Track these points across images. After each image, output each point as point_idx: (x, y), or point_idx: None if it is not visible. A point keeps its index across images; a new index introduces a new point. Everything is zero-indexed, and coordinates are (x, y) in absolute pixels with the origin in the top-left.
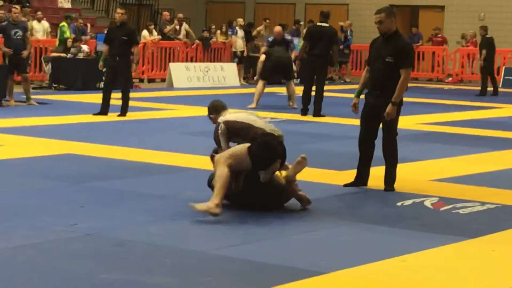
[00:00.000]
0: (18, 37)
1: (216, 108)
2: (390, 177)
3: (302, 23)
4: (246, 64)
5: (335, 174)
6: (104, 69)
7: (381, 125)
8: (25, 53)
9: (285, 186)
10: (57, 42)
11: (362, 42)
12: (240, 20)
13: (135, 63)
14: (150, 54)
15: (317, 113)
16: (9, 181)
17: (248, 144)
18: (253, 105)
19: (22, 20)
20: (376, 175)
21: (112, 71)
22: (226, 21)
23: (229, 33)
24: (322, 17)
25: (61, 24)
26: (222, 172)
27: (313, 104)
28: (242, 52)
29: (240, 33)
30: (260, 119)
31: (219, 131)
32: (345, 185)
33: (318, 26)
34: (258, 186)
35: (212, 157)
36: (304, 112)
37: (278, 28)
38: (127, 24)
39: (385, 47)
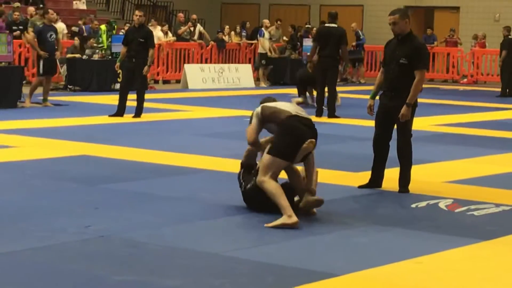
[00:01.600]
0: (52, 39)
1: (267, 99)
2: (404, 178)
3: (309, 25)
4: (275, 66)
5: (349, 175)
6: (119, 71)
7: (395, 127)
8: (57, 54)
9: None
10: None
11: (377, 43)
12: (267, 22)
13: (148, 66)
14: (165, 55)
15: (331, 114)
16: (24, 182)
17: (267, 150)
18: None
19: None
20: (391, 176)
21: (129, 73)
22: (240, 22)
23: (243, 34)
24: (330, 18)
25: (101, 27)
26: (272, 187)
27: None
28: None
29: (267, 34)
30: (293, 106)
31: (255, 114)
32: (360, 187)
33: (326, 27)
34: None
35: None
36: (319, 113)
37: None
38: (145, 26)
39: (400, 49)
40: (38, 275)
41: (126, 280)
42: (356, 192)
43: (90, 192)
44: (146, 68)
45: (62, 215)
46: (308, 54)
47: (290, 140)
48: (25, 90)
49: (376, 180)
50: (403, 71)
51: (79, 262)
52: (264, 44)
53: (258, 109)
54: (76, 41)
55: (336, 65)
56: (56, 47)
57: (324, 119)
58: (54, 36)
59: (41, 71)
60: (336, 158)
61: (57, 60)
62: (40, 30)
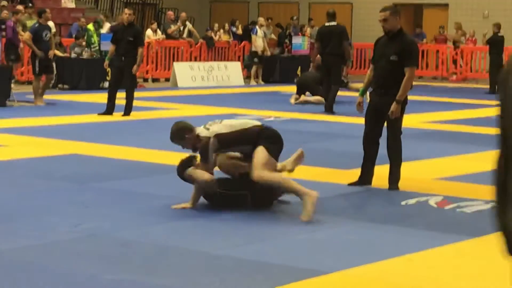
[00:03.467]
0: (47, 38)
1: (188, 126)
2: (394, 176)
3: (296, 19)
4: (265, 64)
5: (339, 173)
6: (108, 69)
7: (385, 124)
8: (51, 53)
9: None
10: (85, 43)
11: (366, 41)
12: (262, 20)
13: (137, 64)
14: (154, 53)
15: (329, 109)
16: (14, 181)
17: (261, 148)
18: None
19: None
20: (380, 174)
21: (118, 71)
22: (229, 20)
23: (233, 30)
24: (329, 17)
25: (88, 26)
26: (276, 176)
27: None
28: (263, 51)
29: (260, 32)
30: (239, 119)
31: (210, 146)
32: (350, 184)
33: (327, 26)
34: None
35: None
36: (327, 109)
37: None
38: (135, 25)
39: (390, 46)
40: (28, 274)
41: (117, 279)
42: (346, 190)
43: (80, 190)
44: (135, 67)
45: (52, 214)
46: (312, 55)
47: (280, 145)
48: (15, 89)
49: (365, 177)
50: (393, 68)
51: (69, 261)
52: (257, 42)
53: (214, 140)
54: (57, 39)
55: (339, 62)
56: (50, 46)
57: (316, 116)
58: (48, 35)
59: (36, 70)
60: (325, 156)
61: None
62: (36, 30)
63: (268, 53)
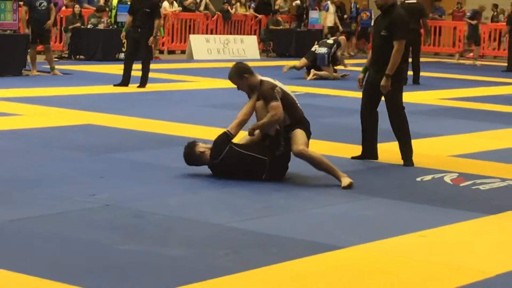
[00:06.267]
0: (42, 8)
1: (250, 68)
2: (405, 152)
3: None
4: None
5: (354, 148)
6: (124, 40)
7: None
8: (49, 23)
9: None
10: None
11: None
12: None
13: (154, 36)
14: (171, 25)
15: (416, 81)
16: (29, 150)
17: (301, 130)
18: None
19: None
20: (394, 149)
21: (134, 42)
22: None
23: (252, 6)
24: None
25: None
26: (319, 155)
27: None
28: (333, 27)
29: (332, 8)
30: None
31: (276, 91)
32: (353, 158)
33: (407, 3)
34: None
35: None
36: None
37: None
38: None
39: (382, 21)
40: (43, 243)
41: (131, 249)
42: (361, 165)
43: (95, 161)
44: (151, 38)
45: (66, 183)
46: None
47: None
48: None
49: (368, 151)
50: (385, 43)
51: (83, 231)
52: (326, 18)
53: (279, 89)
54: (77, 8)
55: (419, 38)
56: (48, 17)
57: (328, 91)
58: (44, 4)
59: (30, 38)
60: (342, 131)
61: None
62: None
63: (340, 29)
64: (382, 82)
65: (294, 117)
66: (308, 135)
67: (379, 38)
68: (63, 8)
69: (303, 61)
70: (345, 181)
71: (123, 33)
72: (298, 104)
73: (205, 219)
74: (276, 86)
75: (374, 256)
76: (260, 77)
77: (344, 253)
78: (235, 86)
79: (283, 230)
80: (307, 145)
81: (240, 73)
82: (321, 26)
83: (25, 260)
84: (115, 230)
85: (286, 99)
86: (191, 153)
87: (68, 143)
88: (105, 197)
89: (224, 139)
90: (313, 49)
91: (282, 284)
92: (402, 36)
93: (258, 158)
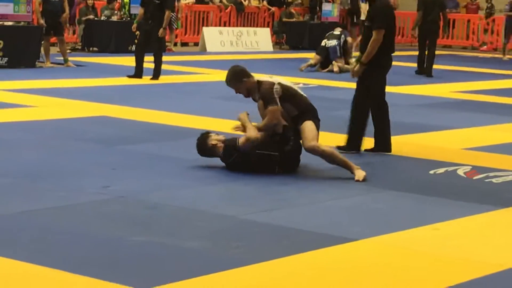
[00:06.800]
0: (55, 0)
1: (246, 71)
2: (378, 140)
3: None
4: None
5: (367, 140)
6: (137, 32)
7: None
8: (64, 16)
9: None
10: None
11: (401, 9)
12: None
13: (163, 28)
14: (184, 17)
15: (429, 73)
16: (42, 142)
17: (311, 122)
18: None
19: None
20: (409, 141)
21: (145, 34)
22: None
23: None
24: None
25: None
26: (330, 149)
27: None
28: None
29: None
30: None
31: (275, 91)
32: (338, 147)
33: None
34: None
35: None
36: (419, 72)
37: None
38: None
39: (368, 12)
40: (56, 234)
41: (144, 241)
42: (374, 158)
43: (108, 153)
44: (161, 30)
45: (80, 175)
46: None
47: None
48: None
49: (354, 142)
50: (368, 33)
51: (97, 222)
52: (365, 9)
53: (278, 87)
54: (90, 1)
55: (438, 29)
56: (62, 9)
57: (343, 83)
58: None
59: (43, 30)
60: None
61: (64, 22)
62: None
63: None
64: (355, 68)
65: (299, 106)
66: (317, 123)
67: (364, 28)
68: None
69: (316, 57)
70: (359, 173)
71: (134, 25)
72: (302, 93)
73: (218, 211)
74: (274, 84)
75: (386, 248)
76: (256, 78)
77: (357, 246)
78: (234, 90)
79: (296, 223)
80: (317, 138)
81: (239, 78)
82: (335, 18)
83: (39, 251)
84: (129, 221)
85: (288, 92)
86: (203, 144)
87: (81, 135)
88: (119, 189)
89: (234, 144)
90: (322, 44)
91: (294, 276)
92: (379, 26)
93: (269, 155)
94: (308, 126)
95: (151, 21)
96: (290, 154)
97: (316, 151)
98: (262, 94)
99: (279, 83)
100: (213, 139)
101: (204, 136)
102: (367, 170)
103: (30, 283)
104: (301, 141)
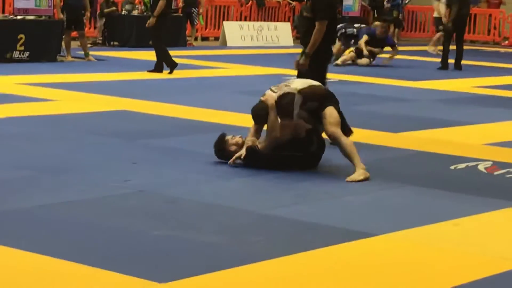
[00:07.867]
0: None
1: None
2: None
3: None
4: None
5: (388, 136)
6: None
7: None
8: (87, 14)
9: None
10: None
11: (416, 3)
12: None
13: (154, 17)
14: (204, 12)
15: (458, 66)
16: (63, 136)
17: (333, 107)
18: None
19: None
20: (430, 137)
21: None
22: None
23: None
24: None
25: None
26: (349, 141)
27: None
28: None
29: None
30: (296, 80)
31: (295, 100)
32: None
33: None
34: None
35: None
36: (444, 66)
37: None
38: None
39: (306, 4)
40: (75, 228)
41: (164, 235)
42: (394, 153)
43: (128, 147)
44: (151, 19)
45: (100, 169)
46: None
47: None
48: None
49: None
50: (308, 25)
51: (117, 216)
52: (440, 8)
53: (299, 96)
54: None
55: (465, 24)
56: (82, 3)
57: (363, 78)
58: None
59: (65, 24)
60: (375, 118)
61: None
62: None
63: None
64: (301, 61)
65: (317, 98)
66: (337, 106)
67: (304, 20)
68: None
69: (337, 45)
70: (357, 174)
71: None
72: (318, 84)
73: (238, 206)
74: (294, 94)
75: (406, 244)
76: (266, 93)
77: (377, 241)
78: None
79: (316, 217)
80: (339, 124)
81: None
82: (356, 13)
83: (58, 245)
84: (148, 216)
85: (310, 92)
86: (221, 150)
87: (102, 129)
88: (139, 183)
89: (254, 149)
90: (342, 31)
91: (314, 271)
92: (321, 17)
93: (291, 156)
94: (330, 112)
95: (151, 13)
96: (314, 153)
97: (334, 137)
98: (282, 108)
99: (299, 90)
100: (231, 144)
101: (220, 141)
102: (388, 165)
103: (49, 277)
104: (322, 124)
